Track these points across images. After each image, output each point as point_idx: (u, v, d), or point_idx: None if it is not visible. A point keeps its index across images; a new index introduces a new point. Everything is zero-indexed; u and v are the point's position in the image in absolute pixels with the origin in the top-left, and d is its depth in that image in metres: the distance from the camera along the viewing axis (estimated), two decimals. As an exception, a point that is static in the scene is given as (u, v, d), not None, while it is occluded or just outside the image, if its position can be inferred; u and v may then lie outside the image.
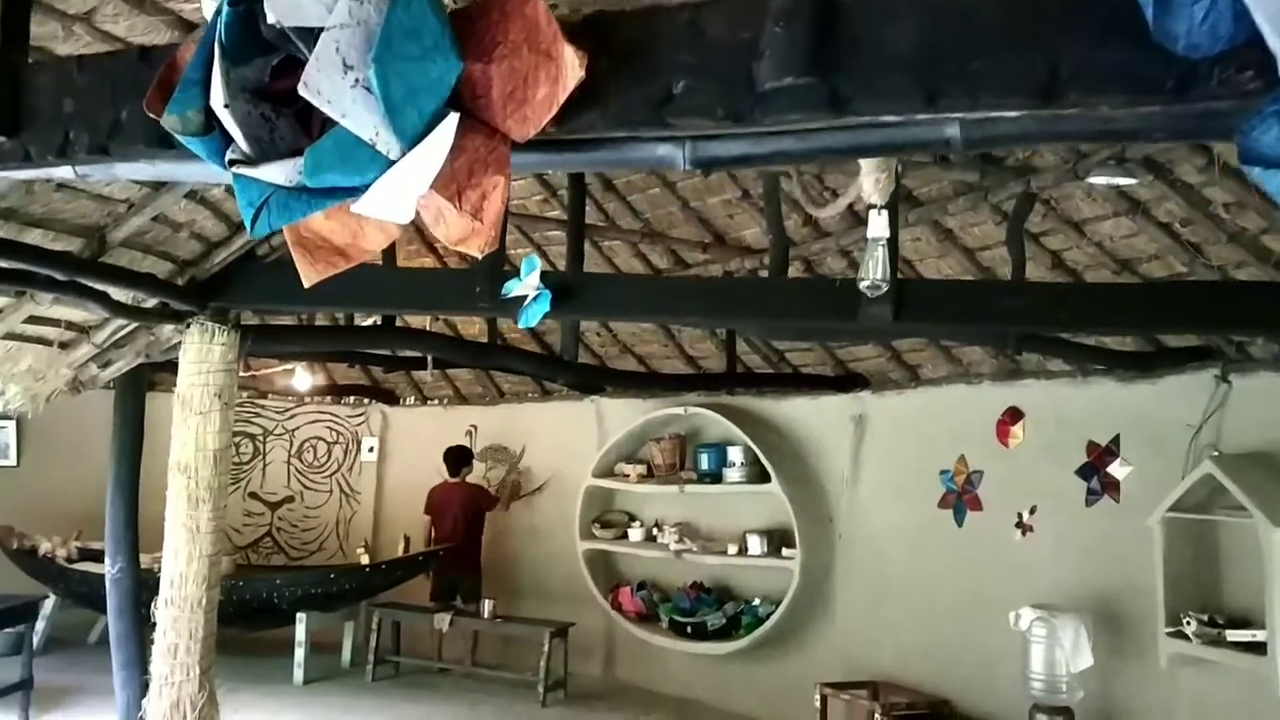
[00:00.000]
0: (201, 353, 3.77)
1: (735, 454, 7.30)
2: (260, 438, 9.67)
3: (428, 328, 7.92)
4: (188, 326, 3.80)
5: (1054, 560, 5.72)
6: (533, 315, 3.55)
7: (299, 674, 7.67)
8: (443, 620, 7.80)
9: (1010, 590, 5.71)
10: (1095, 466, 5.62)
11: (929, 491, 6.43)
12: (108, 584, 4.90)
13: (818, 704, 6.18)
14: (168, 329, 3.98)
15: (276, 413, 9.71)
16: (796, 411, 7.30)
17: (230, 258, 3.78)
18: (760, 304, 3.62)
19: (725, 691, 7.28)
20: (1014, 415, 6.11)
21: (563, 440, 8.53)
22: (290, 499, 9.59)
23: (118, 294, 3.61)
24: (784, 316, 3.66)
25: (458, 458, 8.48)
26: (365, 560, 8.24)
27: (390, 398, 9.86)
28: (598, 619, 7.93)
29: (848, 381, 7.08)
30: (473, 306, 3.65)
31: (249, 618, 7.84)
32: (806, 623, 6.94)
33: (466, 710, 7.17)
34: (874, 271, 2.62)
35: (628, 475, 7.83)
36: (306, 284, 1.56)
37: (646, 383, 7.88)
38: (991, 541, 6.05)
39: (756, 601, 7.16)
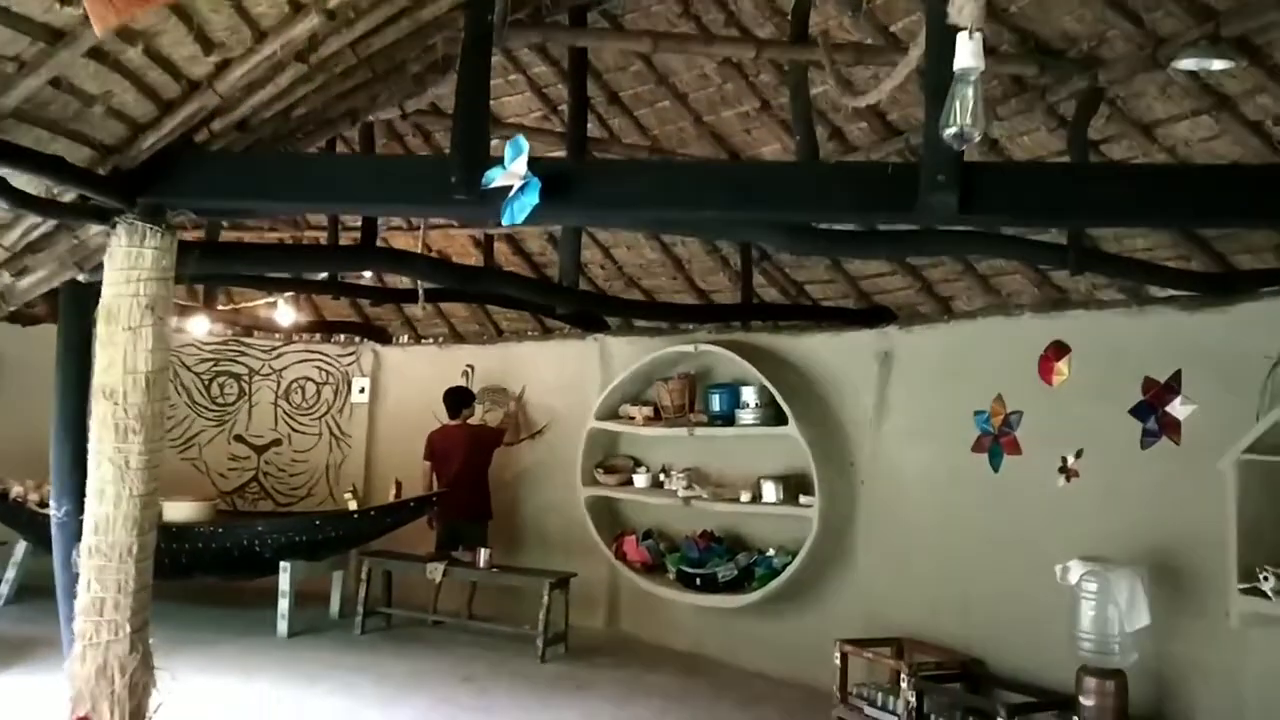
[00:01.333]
0: (130, 258, 3.21)
1: (749, 394, 6.85)
2: (246, 378, 9.25)
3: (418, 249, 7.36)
4: (114, 227, 3.23)
5: (1103, 508, 5.23)
6: (519, 209, 2.98)
7: (283, 626, 7.32)
8: (435, 570, 7.36)
9: (1052, 541, 5.28)
10: (1152, 405, 5.11)
11: (962, 434, 5.96)
12: (53, 529, 4.37)
13: (838, 661, 5.77)
14: (94, 231, 3.41)
15: (262, 351, 9.30)
16: (816, 348, 6.81)
17: (161, 143, 3.19)
18: (796, 193, 3.00)
19: (737, 647, 6.90)
20: (1058, 350, 5.61)
21: (564, 380, 8.15)
22: (278, 442, 9.20)
23: (23, 183, 3.04)
24: (825, 209, 3.06)
25: (458, 398, 8.02)
26: (353, 506, 7.85)
27: (382, 336, 9.43)
28: (601, 569, 7.58)
29: (873, 315, 6.59)
30: (447, 200, 3.07)
31: (229, 567, 7.55)
32: (825, 575, 6.52)
33: (460, 665, 6.76)
34: (960, 115, 2.03)
35: (633, 417, 7.41)
36: (100, 31, 1.01)
37: (653, 314, 7.31)
38: (1031, 488, 5.60)
39: (771, 552, 6.78)
